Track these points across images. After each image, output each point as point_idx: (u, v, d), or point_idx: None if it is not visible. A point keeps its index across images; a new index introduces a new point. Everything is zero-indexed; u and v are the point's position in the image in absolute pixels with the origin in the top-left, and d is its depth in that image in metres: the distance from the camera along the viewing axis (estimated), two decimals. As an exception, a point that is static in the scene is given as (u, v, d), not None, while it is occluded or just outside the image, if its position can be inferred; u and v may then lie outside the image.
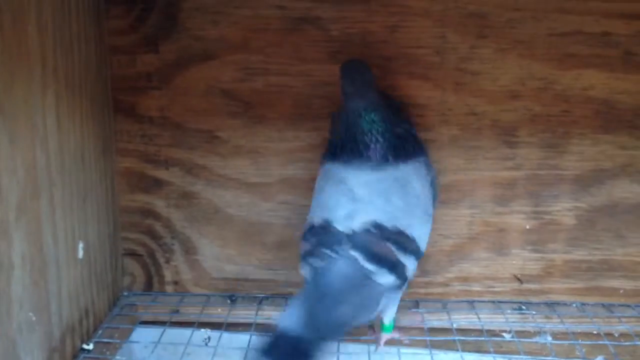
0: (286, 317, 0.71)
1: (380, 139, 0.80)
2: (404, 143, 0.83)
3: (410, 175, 0.83)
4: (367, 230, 0.76)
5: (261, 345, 0.69)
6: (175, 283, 1.02)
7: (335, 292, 0.73)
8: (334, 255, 0.74)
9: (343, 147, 0.82)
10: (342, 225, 0.77)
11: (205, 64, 0.93)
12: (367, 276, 0.74)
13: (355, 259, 0.74)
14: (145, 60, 0.93)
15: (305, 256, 0.78)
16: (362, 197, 0.79)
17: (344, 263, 0.74)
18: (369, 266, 0.74)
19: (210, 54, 0.93)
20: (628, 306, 0.99)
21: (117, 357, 0.84)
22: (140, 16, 0.91)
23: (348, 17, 0.91)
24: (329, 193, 0.81)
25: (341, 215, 0.78)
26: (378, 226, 0.77)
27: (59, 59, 0.75)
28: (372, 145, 0.80)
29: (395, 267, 0.77)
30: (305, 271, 0.78)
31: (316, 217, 0.80)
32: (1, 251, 0.63)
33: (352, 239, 0.75)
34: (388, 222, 0.78)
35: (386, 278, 0.76)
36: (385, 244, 0.77)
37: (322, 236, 0.77)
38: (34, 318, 0.71)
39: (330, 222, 0.77)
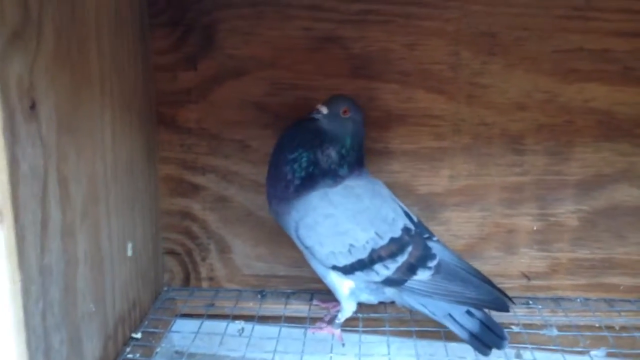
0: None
1: (360, 153, 0.92)
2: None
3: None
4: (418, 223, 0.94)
5: None
6: (211, 279, 1.09)
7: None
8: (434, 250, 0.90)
9: (358, 162, 0.92)
10: (411, 224, 0.91)
11: (238, 79, 1.01)
12: None
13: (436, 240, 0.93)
14: (185, 77, 1.01)
15: (419, 262, 0.88)
16: (391, 198, 0.93)
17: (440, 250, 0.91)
18: None
19: (243, 70, 1.01)
20: (628, 301, 1.05)
21: (163, 345, 0.92)
22: (181, 37, 1.00)
23: (369, 37, 0.99)
24: (383, 206, 0.91)
25: (404, 217, 0.92)
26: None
27: (114, 79, 0.83)
28: (358, 159, 0.91)
29: None
30: (424, 274, 0.88)
31: (388, 230, 0.89)
32: (69, 249, 0.72)
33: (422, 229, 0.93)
34: None
35: None
36: None
37: (416, 240, 0.89)
38: (93, 309, 0.79)
39: (407, 226, 0.90)
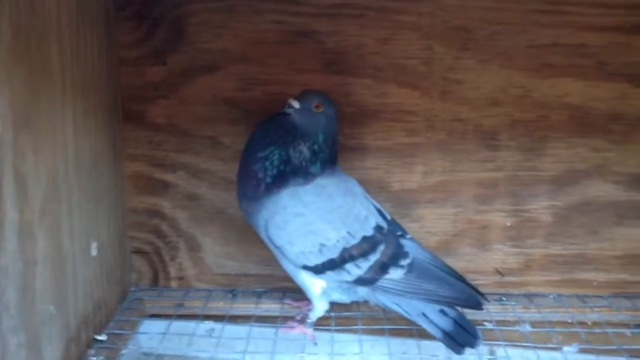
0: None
1: (333, 150, 0.90)
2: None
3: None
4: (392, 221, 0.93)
5: None
6: (180, 279, 1.07)
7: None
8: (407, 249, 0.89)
9: (330, 159, 0.90)
10: (384, 222, 0.90)
11: (209, 74, 0.99)
12: None
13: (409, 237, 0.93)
14: (154, 72, 0.99)
15: (391, 261, 0.87)
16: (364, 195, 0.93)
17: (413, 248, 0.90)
18: None
19: (214, 65, 0.99)
20: (600, 297, 1.05)
21: (129, 347, 0.90)
22: (149, 31, 0.97)
23: (342, 31, 0.97)
24: (355, 204, 0.89)
25: (377, 215, 0.90)
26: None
27: (76, 74, 0.81)
28: (330, 156, 0.90)
29: None
30: (397, 273, 0.87)
31: (360, 229, 0.87)
32: (27, 249, 0.69)
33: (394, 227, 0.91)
34: None
35: None
36: None
37: (388, 238, 0.88)
38: (54, 310, 0.77)
39: (380, 224, 0.89)
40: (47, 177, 0.74)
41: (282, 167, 0.86)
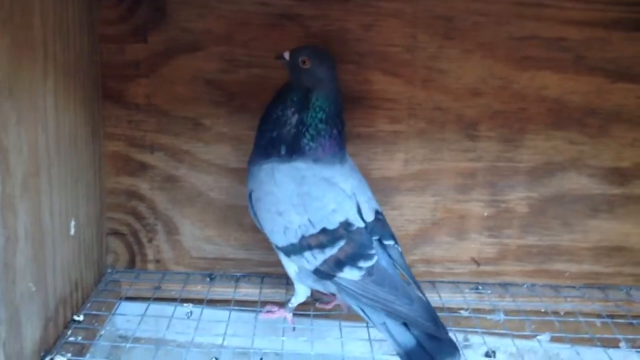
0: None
1: (329, 132, 0.85)
2: (343, 136, 0.89)
3: (353, 165, 0.91)
4: (377, 219, 0.86)
5: None
6: (157, 261, 1.05)
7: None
8: (374, 252, 0.82)
9: (326, 137, 0.85)
10: (357, 221, 0.84)
11: (191, 54, 0.97)
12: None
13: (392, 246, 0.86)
14: (134, 50, 0.97)
15: (348, 260, 0.81)
16: (351, 191, 0.86)
17: (384, 256, 0.84)
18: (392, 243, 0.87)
19: (197, 45, 0.97)
20: (573, 287, 1.07)
21: (107, 328, 0.89)
22: (130, 7, 0.95)
23: (327, 15, 0.97)
24: (327, 194, 0.84)
25: (352, 212, 0.84)
26: (379, 212, 0.87)
27: (57, 46, 0.79)
28: (324, 139, 0.85)
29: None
30: (352, 274, 0.81)
31: (322, 219, 0.83)
32: (9, 224, 0.67)
33: (374, 230, 0.85)
34: (377, 207, 0.88)
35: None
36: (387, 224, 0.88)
37: (353, 237, 0.82)
38: (33, 288, 0.75)
39: (350, 221, 0.83)
40: (29, 150, 0.72)
41: (271, 135, 0.85)
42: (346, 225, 0.83)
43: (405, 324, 0.79)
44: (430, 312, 0.79)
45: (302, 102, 0.85)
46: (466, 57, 0.99)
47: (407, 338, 0.79)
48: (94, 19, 0.93)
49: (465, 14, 0.98)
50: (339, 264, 0.81)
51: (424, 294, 0.83)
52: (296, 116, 0.85)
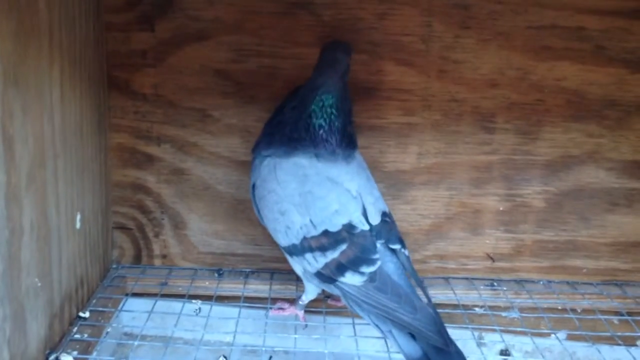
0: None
1: (335, 128, 0.82)
2: (352, 134, 0.86)
3: (361, 162, 0.88)
4: (384, 221, 0.82)
5: None
6: (164, 257, 1.03)
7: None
8: (377, 256, 0.79)
9: (300, 137, 0.82)
10: (362, 224, 0.80)
11: (199, 43, 0.95)
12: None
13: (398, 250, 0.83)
14: (141, 38, 0.94)
15: (350, 265, 0.78)
16: (357, 191, 0.82)
17: (390, 261, 0.80)
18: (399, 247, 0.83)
19: (205, 34, 0.94)
20: (590, 284, 1.05)
21: (113, 325, 0.86)
22: (137, -6, 0.92)
23: (339, 3, 0.94)
24: (329, 195, 0.81)
25: (356, 214, 0.81)
26: (386, 214, 0.84)
27: (63, 35, 0.76)
28: (329, 135, 0.81)
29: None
30: (354, 279, 0.78)
31: (324, 221, 0.80)
32: (14, 216, 0.65)
33: (380, 234, 0.81)
34: (385, 208, 0.85)
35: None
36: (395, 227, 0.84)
37: (356, 240, 0.79)
38: (39, 284, 0.72)
39: (353, 224, 0.80)
40: (35, 140, 0.69)
41: (279, 119, 0.84)
42: (349, 227, 0.80)
43: (411, 334, 0.76)
44: (435, 322, 0.75)
45: (305, 95, 0.82)
46: (483, 47, 0.97)
47: (413, 348, 0.76)
48: (100, 5, 0.90)
49: (482, 2, 0.95)
50: (340, 268, 0.78)
51: (430, 302, 0.80)
52: (295, 110, 0.82)
